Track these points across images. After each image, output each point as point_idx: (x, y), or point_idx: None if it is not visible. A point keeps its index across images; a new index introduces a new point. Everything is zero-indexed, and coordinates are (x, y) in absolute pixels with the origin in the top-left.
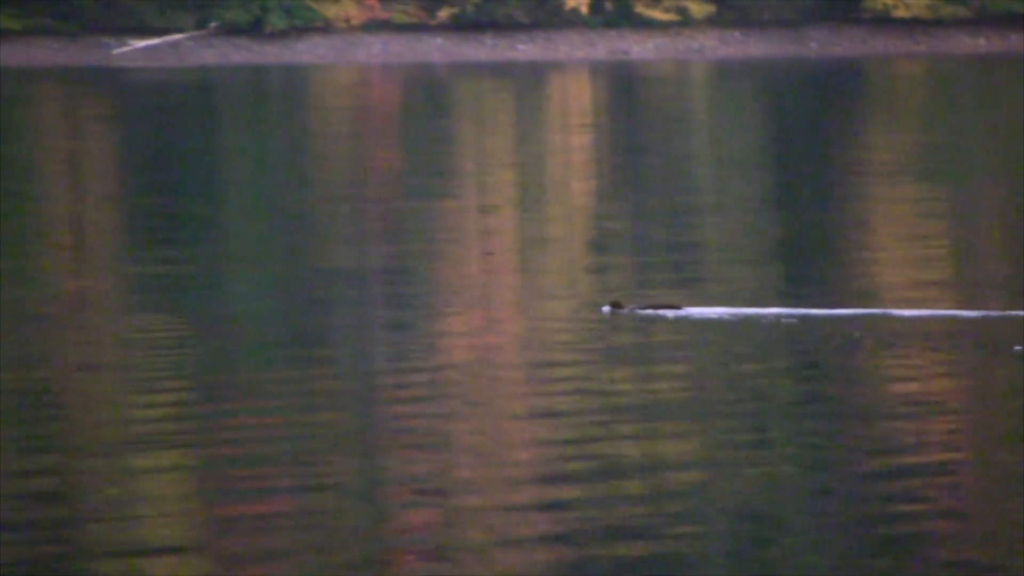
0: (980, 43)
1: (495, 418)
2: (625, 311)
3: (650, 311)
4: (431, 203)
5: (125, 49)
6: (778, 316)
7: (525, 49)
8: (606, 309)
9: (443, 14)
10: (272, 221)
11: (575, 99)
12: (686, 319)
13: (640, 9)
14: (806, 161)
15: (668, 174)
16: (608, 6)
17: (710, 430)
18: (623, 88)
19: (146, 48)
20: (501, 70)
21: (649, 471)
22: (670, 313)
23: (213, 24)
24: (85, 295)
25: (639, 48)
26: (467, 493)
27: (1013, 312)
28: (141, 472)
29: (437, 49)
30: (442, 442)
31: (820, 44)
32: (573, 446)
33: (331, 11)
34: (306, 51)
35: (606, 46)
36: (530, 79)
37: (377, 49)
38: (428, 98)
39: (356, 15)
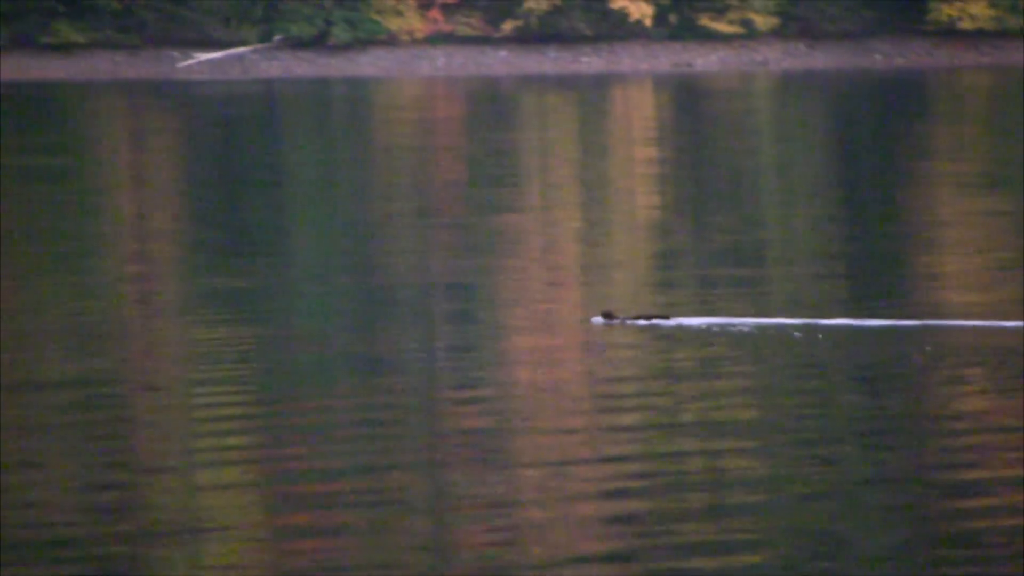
0: None
1: (558, 434)
2: (617, 321)
3: (642, 321)
4: (495, 217)
5: (190, 62)
6: (783, 327)
7: (589, 62)
8: (598, 320)
9: (507, 27)
10: (338, 235)
11: (638, 112)
12: (714, 331)
13: (704, 21)
14: (872, 173)
15: (732, 186)
16: (672, 18)
17: (773, 444)
18: (687, 100)
19: (210, 61)
20: (565, 83)
21: (713, 487)
22: (661, 323)
23: (277, 37)
24: (151, 308)
25: (703, 60)
26: (531, 508)
27: None
28: (206, 487)
29: (501, 62)
30: (505, 457)
31: (884, 56)
32: (637, 462)
33: (395, 24)
34: (370, 64)
35: (670, 58)
36: (594, 92)
37: (441, 62)
38: (492, 111)
39: (420, 28)
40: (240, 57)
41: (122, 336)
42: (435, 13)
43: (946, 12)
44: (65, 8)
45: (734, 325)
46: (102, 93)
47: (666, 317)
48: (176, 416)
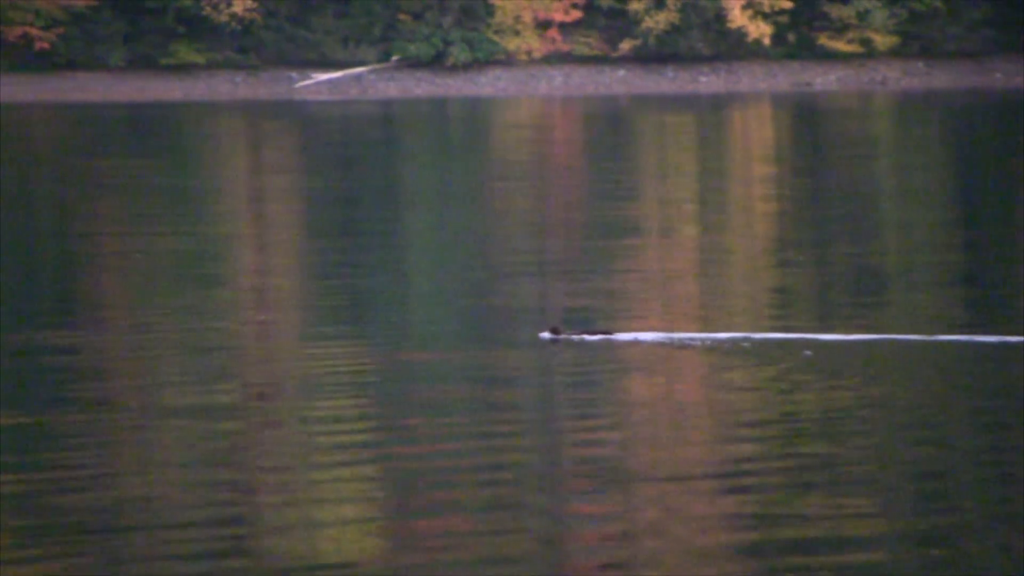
0: None
1: (680, 461)
2: (562, 337)
3: (586, 336)
4: (614, 239)
5: (308, 82)
6: (734, 340)
7: (707, 81)
8: (545, 335)
9: (625, 46)
10: (456, 257)
11: (757, 131)
12: (666, 345)
13: (823, 40)
14: (991, 192)
15: (851, 204)
16: (791, 37)
17: (893, 477)
18: (806, 120)
19: (328, 81)
20: (683, 102)
21: (833, 517)
22: (601, 338)
23: (395, 58)
24: (268, 324)
25: (821, 80)
26: (651, 537)
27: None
28: (320, 488)
29: (619, 81)
30: (625, 480)
31: (1005, 75)
32: (757, 494)
33: (513, 44)
34: (488, 84)
35: (788, 78)
36: (712, 111)
37: (558, 81)
38: (611, 131)
39: (538, 48)
40: (358, 77)
41: (238, 351)
42: (553, 33)
43: None
44: (184, 29)
45: (684, 340)
46: (220, 113)
47: (608, 332)
48: (295, 449)
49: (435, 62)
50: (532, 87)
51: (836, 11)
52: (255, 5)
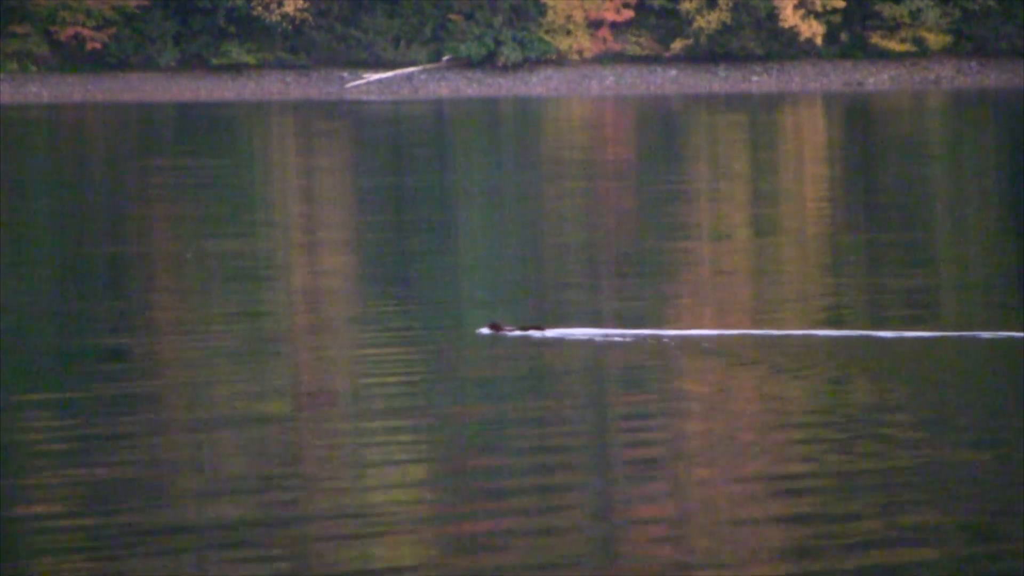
0: None
1: (730, 478)
2: (503, 332)
3: (518, 332)
4: (667, 241)
5: (359, 82)
6: (657, 337)
7: (759, 80)
8: (484, 330)
9: (677, 46)
10: (505, 261)
11: (810, 130)
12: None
13: (876, 40)
14: None
15: (904, 204)
16: (843, 37)
17: (949, 494)
18: (858, 119)
19: (380, 81)
20: (735, 101)
21: (889, 546)
22: (537, 334)
23: (446, 57)
24: (316, 329)
25: (874, 79)
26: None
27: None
28: (372, 492)
29: (670, 81)
30: (677, 501)
31: None
32: (812, 521)
33: (564, 43)
34: (539, 83)
35: (840, 77)
36: (764, 111)
37: (610, 81)
38: (663, 131)
39: (589, 47)
40: (409, 77)
41: (287, 355)
42: (604, 32)
43: None
44: (235, 29)
45: (614, 336)
46: (271, 113)
47: (540, 328)
48: (348, 466)
49: (486, 62)
50: (584, 87)
51: (888, 10)
52: (306, 5)
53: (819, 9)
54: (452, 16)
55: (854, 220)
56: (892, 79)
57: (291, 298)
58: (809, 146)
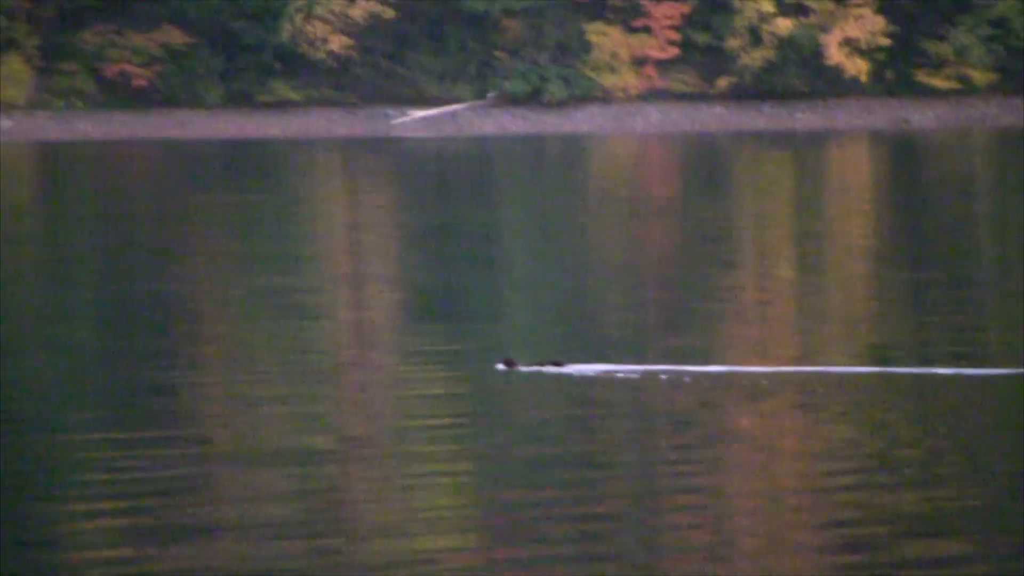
0: None
1: (779, 527)
2: (517, 369)
3: (535, 368)
4: (712, 278)
5: (404, 119)
6: (669, 373)
7: (804, 118)
8: (500, 367)
9: (722, 83)
10: (548, 298)
11: (854, 168)
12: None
13: (921, 77)
14: None
15: (950, 242)
16: (888, 74)
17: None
18: (904, 156)
19: (425, 118)
20: (780, 139)
21: None
22: (554, 370)
23: (491, 95)
24: (361, 367)
25: (919, 116)
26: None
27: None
28: (419, 537)
29: (716, 118)
30: (724, 550)
31: None
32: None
33: (609, 80)
34: (584, 121)
35: (886, 114)
36: (810, 148)
37: (655, 118)
38: (708, 168)
39: (634, 84)
40: (454, 114)
41: (338, 401)
42: (649, 70)
43: None
44: (281, 66)
45: (630, 372)
46: (317, 149)
47: (560, 363)
48: (394, 516)
49: (531, 99)
50: (629, 124)
51: (934, 47)
52: (351, 42)
53: (864, 47)
54: (497, 53)
55: (899, 258)
56: (937, 117)
57: (336, 335)
58: (854, 184)
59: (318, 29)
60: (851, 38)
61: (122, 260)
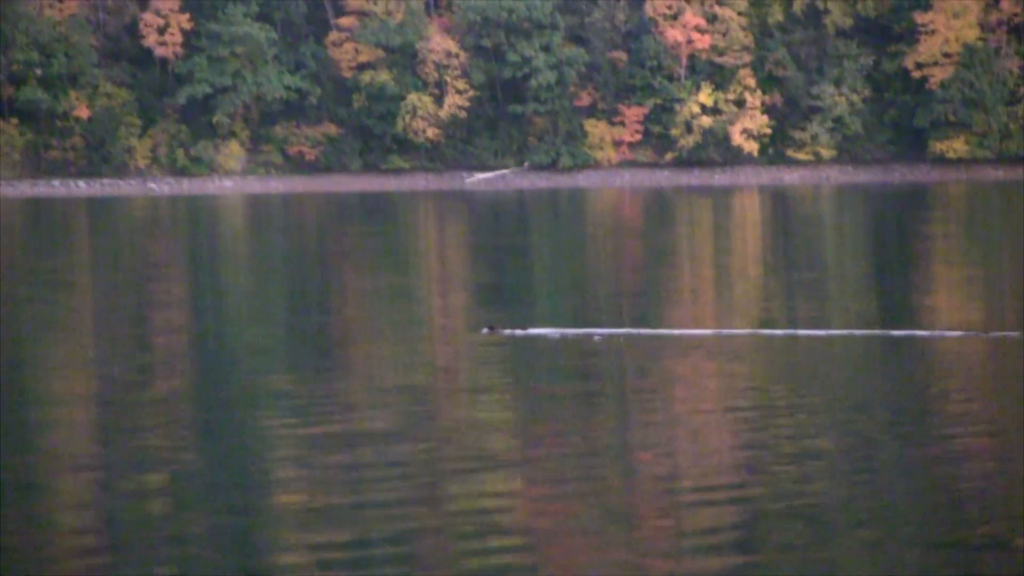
0: None
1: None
2: (497, 332)
3: (516, 331)
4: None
5: (472, 179)
6: (610, 335)
7: (720, 177)
8: (485, 330)
9: (668, 156)
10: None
11: (750, 209)
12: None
13: (791, 152)
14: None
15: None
16: (770, 150)
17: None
18: (779, 203)
19: (485, 178)
20: (706, 192)
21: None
22: (522, 332)
23: (526, 164)
24: (422, 383)
25: (788, 176)
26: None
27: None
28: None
29: (665, 179)
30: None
31: (902, 173)
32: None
33: (599, 154)
34: (584, 179)
35: (768, 175)
36: (722, 196)
37: (627, 178)
38: (657, 208)
39: (614, 157)
40: (503, 176)
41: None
42: (624, 148)
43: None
44: (396, 146)
45: (579, 335)
46: (416, 200)
47: (524, 328)
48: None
49: (551, 166)
50: (611, 181)
51: (798, 135)
52: (440, 131)
53: (756, 133)
54: (530, 138)
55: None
56: (800, 177)
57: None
58: (750, 220)
59: (419, 123)
60: (747, 128)
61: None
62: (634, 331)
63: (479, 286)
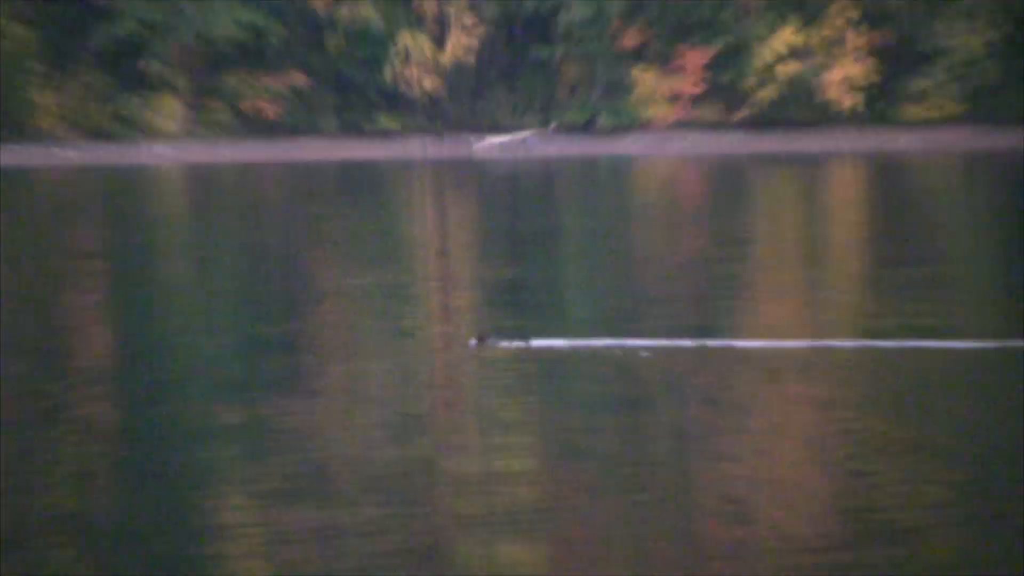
0: None
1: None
2: (488, 343)
3: (505, 343)
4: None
5: (483, 144)
6: (632, 348)
7: (807, 142)
8: (473, 342)
9: (740, 114)
10: (594, 295)
11: (842, 186)
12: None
13: (905, 109)
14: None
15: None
16: (876, 106)
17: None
18: (883, 176)
19: (500, 144)
20: (789, 160)
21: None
22: (519, 344)
23: (553, 124)
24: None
25: (904, 141)
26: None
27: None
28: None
29: (734, 143)
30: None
31: None
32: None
33: (649, 112)
34: (629, 144)
35: (876, 140)
36: (809, 168)
37: (687, 143)
38: (727, 184)
39: (670, 115)
40: (524, 140)
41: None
42: (682, 103)
43: None
44: (384, 102)
45: (589, 347)
46: (413, 171)
47: (525, 339)
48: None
49: (586, 127)
50: (666, 148)
51: (916, 84)
52: (441, 82)
53: (858, 84)
54: (559, 90)
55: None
56: (916, 141)
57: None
58: (849, 198)
59: (414, 71)
60: (847, 76)
61: (247, 273)
62: (688, 342)
63: (491, 284)
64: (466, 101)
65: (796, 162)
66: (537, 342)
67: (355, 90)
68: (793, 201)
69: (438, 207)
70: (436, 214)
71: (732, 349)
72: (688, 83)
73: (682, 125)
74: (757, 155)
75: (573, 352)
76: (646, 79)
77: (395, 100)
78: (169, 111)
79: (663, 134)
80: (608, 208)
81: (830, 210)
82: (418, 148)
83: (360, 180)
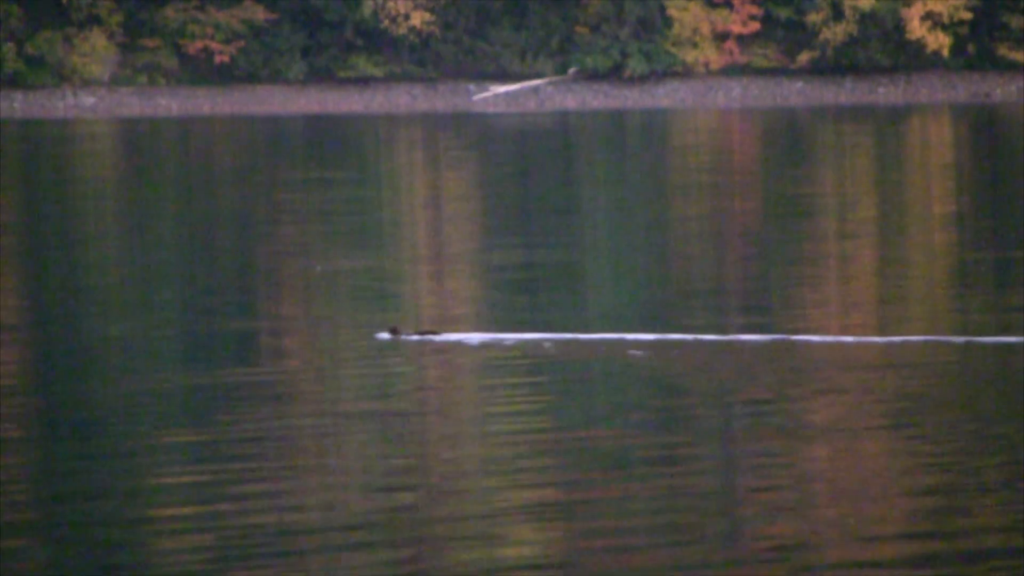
0: None
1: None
2: (401, 337)
3: (416, 337)
4: (794, 245)
5: (485, 95)
6: (542, 341)
7: (885, 92)
8: (384, 335)
9: (803, 58)
10: (625, 276)
11: (936, 143)
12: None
13: (1003, 51)
14: None
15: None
16: (970, 48)
17: None
18: (985, 131)
19: (506, 94)
20: (861, 113)
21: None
22: (428, 338)
23: (572, 70)
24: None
25: (1002, 90)
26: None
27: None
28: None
29: (797, 93)
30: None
31: None
32: None
33: (690, 56)
34: (665, 95)
35: (967, 89)
36: (890, 123)
37: (736, 93)
38: (788, 143)
39: (715, 60)
40: (535, 89)
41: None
42: (731, 45)
43: None
44: (363, 42)
45: (500, 340)
46: (398, 124)
47: (436, 332)
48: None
49: (612, 74)
50: (710, 99)
51: (1016, 21)
52: (433, 18)
53: (946, 21)
54: (578, 28)
55: (981, 236)
56: (1020, 90)
57: (416, 312)
58: (935, 160)
59: (399, 4)
60: (933, 12)
61: (202, 237)
62: (709, 337)
63: (494, 268)
64: (464, 41)
65: (873, 116)
66: (446, 336)
67: (326, 27)
68: (868, 162)
69: (430, 171)
70: (428, 180)
71: (769, 344)
72: (738, 20)
73: (731, 71)
74: (825, 107)
75: (480, 347)
76: (686, 15)
77: (376, 39)
78: (97, 53)
79: (707, 83)
80: (638, 175)
81: (914, 173)
82: (404, 98)
83: (332, 137)
